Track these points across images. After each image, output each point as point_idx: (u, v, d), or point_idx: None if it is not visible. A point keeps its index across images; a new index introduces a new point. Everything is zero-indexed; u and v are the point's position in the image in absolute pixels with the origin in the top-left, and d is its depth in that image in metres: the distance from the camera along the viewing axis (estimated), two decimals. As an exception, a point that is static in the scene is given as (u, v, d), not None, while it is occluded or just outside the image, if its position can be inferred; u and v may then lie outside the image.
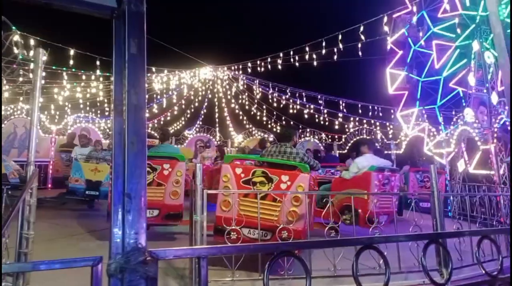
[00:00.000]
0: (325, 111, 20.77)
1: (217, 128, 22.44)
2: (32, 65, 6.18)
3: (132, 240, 1.31)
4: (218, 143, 19.71)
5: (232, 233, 4.28)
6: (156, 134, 17.77)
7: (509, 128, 11.54)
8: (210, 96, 23.88)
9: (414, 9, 16.59)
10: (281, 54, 16.91)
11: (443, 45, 15.94)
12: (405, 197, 9.61)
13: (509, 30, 3.01)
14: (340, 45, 14.47)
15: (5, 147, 13.58)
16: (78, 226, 7.16)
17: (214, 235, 4.52)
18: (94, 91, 18.52)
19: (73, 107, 19.35)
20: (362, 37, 13.96)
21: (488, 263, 3.22)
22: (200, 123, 23.10)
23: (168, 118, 22.80)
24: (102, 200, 9.08)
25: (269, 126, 22.62)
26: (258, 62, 18.35)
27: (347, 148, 20.18)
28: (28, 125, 4.69)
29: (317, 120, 21.26)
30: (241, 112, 22.98)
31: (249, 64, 19.06)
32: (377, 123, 21.09)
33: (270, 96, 21.28)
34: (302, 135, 20.64)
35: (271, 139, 18.03)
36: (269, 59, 17.76)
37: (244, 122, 23.00)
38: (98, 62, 14.93)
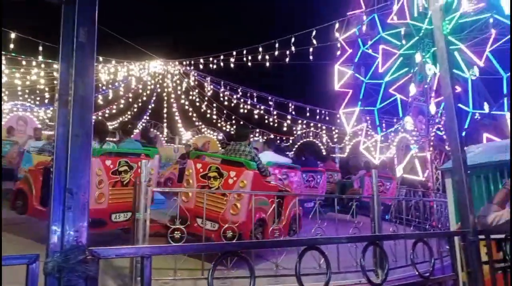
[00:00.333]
0: (275, 112, 21.06)
1: (165, 124, 22.00)
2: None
3: (72, 238, 1.25)
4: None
5: (176, 232, 4.21)
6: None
7: (444, 137, 12.32)
8: (159, 90, 23.35)
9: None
10: (234, 53, 16.91)
11: (389, 51, 16.71)
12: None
13: (450, 46, 3.23)
14: (292, 48, 14.71)
15: None
16: (20, 221, 6.63)
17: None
18: (34, 78, 17.47)
19: (10, 94, 18.14)
20: (314, 41, 14.28)
21: (420, 264, 3.42)
22: (147, 118, 22.55)
23: (114, 111, 22.02)
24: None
25: (219, 124, 22.54)
26: (211, 59, 18.22)
27: (294, 149, 20.58)
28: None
29: (266, 121, 21.49)
30: (191, 109, 22.69)
31: (201, 61, 18.88)
32: (323, 127, 21.71)
33: (221, 95, 21.20)
34: (251, 136, 20.79)
35: (220, 138, 17.98)
36: (221, 57, 17.69)
37: (194, 119, 22.73)
38: (40, 48, 14.08)
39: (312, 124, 21.35)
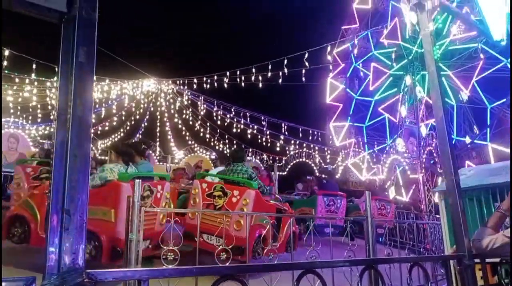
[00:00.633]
0: (268, 132, 21.11)
1: (158, 143, 21.93)
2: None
3: (69, 260, 1.23)
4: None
5: (169, 254, 4.15)
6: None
7: (436, 159, 12.44)
8: (152, 109, 23.36)
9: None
10: (227, 73, 17.04)
11: (380, 69, 16.99)
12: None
13: (441, 72, 3.31)
14: (285, 70, 14.88)
15: None
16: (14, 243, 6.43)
17: (184, 239, 4.44)
18: (26, 95, 17.40)
19: (2, 111, 18.00)
20: (307, 63, 14.48)
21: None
22: (140, 136, 22.46)
23: (106, 128, 21.94)
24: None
25: (212, 144, 22.52)
26: (204, 79, 18.34)
27: (287, 169, 20.59)
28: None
29: (259, 141, 21.53)
30: (184, 128, 22.68)
31: (195, 80, 18.98)
32: (316, 148, 21.78)
33: (214, 114, 21.26)
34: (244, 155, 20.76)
35: (213, 157, 17.92)
36: (215, 77, 17.82)
37: (187, 138, 22.70)
38: (34, 66, 14.07)
39: (304, 144, 21.42)
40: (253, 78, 16.18)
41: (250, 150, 21.41)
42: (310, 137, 21.05)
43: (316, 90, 19.73)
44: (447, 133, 2.72)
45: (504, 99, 14.39)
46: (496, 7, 3.65)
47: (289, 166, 20.79)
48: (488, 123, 14.59)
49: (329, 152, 21.46)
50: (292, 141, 21.48)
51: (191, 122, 22.60)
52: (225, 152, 21.77)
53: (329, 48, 15.96)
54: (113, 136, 22.20)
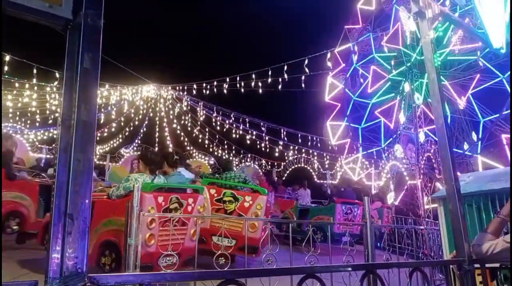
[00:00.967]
0: (267, 138, 21.14)
1: (156, 148, 21.92)
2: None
3: (71, 264, 1.23)
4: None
5: (168, 258, 4.15)
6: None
7: (434, 165, 12.47)
8: (151, 114, 23.40)
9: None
10: (227, 79, 17.10)
11: (379, 73, 17.07)
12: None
13: (441, 80, 3.34)
14: (285, 76, 14.93)
15: None
16: (16, 246, 6.41)
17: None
18: (25, 101, 17.42)
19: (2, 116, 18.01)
20: (307, 70, 14.54)
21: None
22: (139, 142, 22.47)
23: (105, 134, 21.94)
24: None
25: (211, 149, 22.53)
26: (204, 85, 18.40)
27: (285, 175, 20.60)
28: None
29: (258, 146, 21.55)
30: (182, 133, 22.70)
31: (195, 86, 19.03)
32: (315, 153, 21.81)
33: (213, 120, 21.30)
34: (243, 160, 20.77)
35: (211, 162, 17.92)
36: (215, 83, 17.88)
37: (185, 143, 22.72)
38: (34, 71, 14.11)
39: (303, 150, 21.45)
40: (252, 84, 16.24)
41: (249, 155, 21.42)
42: (309, 143, 21.10)
43: (316, 96, 19.80)
44: (447, 139, 2.74)
45: (498, 115, 14.60)
46: (496, 16, 3.69)
47: (287, 171, 20.79)
48: (480, 136, 14.77)
49: (328, 157, 21.49)
50: (291, 147, 21.53)
51: (190, 128, 22.64)
52: (224, 157, 21.80)
53: (329, 55, 16.05)
54: (111, 141, 22.20)
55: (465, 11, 12.06)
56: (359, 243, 5.87)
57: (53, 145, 18.63)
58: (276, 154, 21.57)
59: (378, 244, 9.88)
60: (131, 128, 22.95)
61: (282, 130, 20.68)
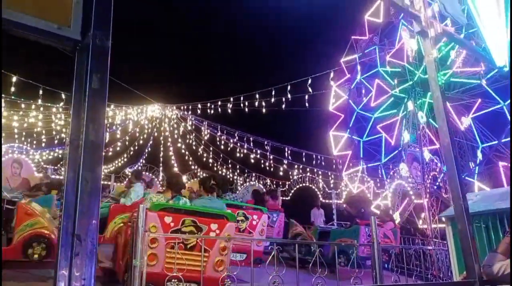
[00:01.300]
0: (271, 157, 21.10)
1: (161, 168, 21.93)
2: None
3: (79, 285, 1.22)
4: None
5: (181, 284, 4.06)
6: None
7: (441, 184, 12.36)
8: (156, 134, 23.49)
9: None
10: (231, 99, 17.21)
11: (383, 87, 17.14)
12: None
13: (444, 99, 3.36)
14: (289, 95, 15.02)
15: None
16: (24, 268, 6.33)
17: None
18: (31, 121, 17.59)
19: (7, 136, 18.15)
20: (310, 89, 14.63)
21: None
22: (143, 161, 22.50)
23: (110, 154, 22.00)
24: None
25: (215, 168, 22.49)
26: (208, 104, 18.53)
27: (290, 194, 20.48)
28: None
29: (262, 165, 21.50)
30: (187, 153, 22.72)
31: (199, 105, 19.16)
32: (320, 172, 21.70)
33: (218, 139, 21.34)
34: (247, 180, 20.71)
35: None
36: (219, 103, 18.00)
37: (190, 163, 22.72)
38: (40, 91, 14.28)
39: (308, 169, 21.37)
40: (256, 103, 16.33)
41: (253, 174, 21.36)
42: (314, 162, 21.02)
43: (320, 114, 19.89)
44: (454, 158, 2.72)
45: (496, 142, 14.62)
46: (498, 34, 3.72)
47: (292, 191, 20.67)
48: (478, 161, 14.76)
49: (332, 176, 21.38)
50: (296, 166, 21.45)
51: (194, 147, 22.67)
52: (228, 176, 21.75)
53: (332, 74, 16.15)
54: (116, 161, 22.25)
55: (469, 34, 12.17)
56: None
57: (58, 165, 18.76)
58: (281, 173, 21.50)
59: (386, 265, 9.71)
60: (136, 147, 23.03)
61: (286, 149, 20.67)
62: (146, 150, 23.17)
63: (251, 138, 20.40)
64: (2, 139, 17.71)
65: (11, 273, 5.48)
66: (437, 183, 13.53)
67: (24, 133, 18.89)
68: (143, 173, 16.30)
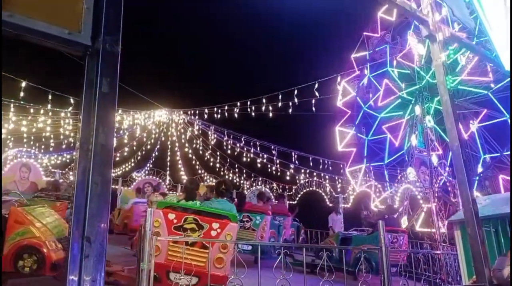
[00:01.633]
0: (278, 161, 21.08)
1: (168, 172, 21.99)
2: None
3: (89, 287, 1.23)
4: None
5: (182, 276, 4.09)
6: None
7: (449, 188, 12.27)
8: (163, 139, 23.59)
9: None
10: (238, 103, 17.25)
11: (390, 88, 17.06)
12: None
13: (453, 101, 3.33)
14: (296, 100, 15.02)
15: None
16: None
17: None
18: (40, 126, 17.75)
19: (16, 140, 18.34)
20: (317, 94, 14.62)
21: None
22: (150, 166, 22.58)
23: (117, 158, 22.11)
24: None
25: (222, 173, 22.52)
26: (215, 109, 18.59)
27: (297, 198, 20.43)
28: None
29: (269, 170, 21.48)
30: (194, 157, 22.79)
31: (206, 110, 19.22)
32: (327, 177, 21.62)
33: (224, 143, 21.37)
34: (254, 184, 20.70)
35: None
36: (226, 107, 18.04)
37: (197, 167, 22.77)
38: (50, 97, 14.42)
39: (315, 173, 21.31)
40: (263, 108, 16.35)
41: (260, 179, 21.34)
42: (321, 166, 20.96)
43: (327, 118, 19.87)
44: (464, 162, 2.70)
45: (498, 154, 14.50)
46: (507, 38, 3.69)
47: (299, 195, 20.61)
48: (478, 172, 14.64)
49: (340, 180, 21.29)
50: (302, 170, 21.41)
51: (201, 152, 22.73)
52: (235, 180, 21.75)
53: (339, 79, 16.14)
54: (124, 165, 22.35)
55: (481, 42, 12.11)
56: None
57: (66, 169, 18.90)
58: (288, 177, 21.46)
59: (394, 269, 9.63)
60: (143, 152, 23.13)
61: (293, 154, 20.64)
62: (153, 154, 23.27)
63: (257, 143, 20.41)
64: (11, 143, 17.91)
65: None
66: (443, 184, 13.47)
67: (32, 137, 19.06)
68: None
